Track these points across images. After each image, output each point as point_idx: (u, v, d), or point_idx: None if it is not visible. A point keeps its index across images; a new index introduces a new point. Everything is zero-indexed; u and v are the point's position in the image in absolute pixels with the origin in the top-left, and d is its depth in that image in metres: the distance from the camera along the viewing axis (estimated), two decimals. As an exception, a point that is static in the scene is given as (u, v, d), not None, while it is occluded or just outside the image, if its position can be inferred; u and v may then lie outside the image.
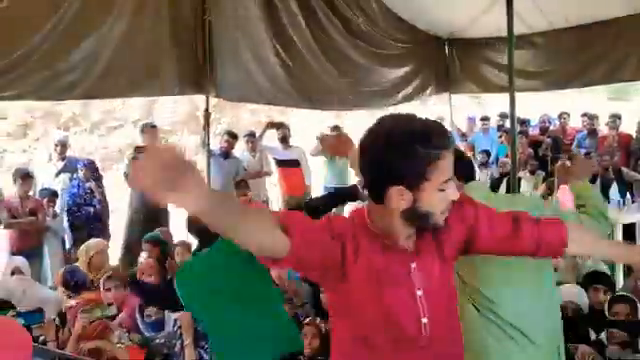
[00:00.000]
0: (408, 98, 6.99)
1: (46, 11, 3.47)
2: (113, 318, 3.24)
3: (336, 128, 7.02)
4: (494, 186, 6.39)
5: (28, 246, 4.76)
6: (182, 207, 1.06)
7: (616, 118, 7.17)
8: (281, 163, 6.59)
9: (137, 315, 3.38)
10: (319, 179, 7.02)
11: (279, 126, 6.68)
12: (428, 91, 7.18)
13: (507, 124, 7.61)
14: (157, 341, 3.15)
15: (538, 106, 9.27)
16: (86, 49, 3.84)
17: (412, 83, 6.84)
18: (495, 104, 11.59)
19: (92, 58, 3.87)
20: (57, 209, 5.21)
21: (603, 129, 7.59)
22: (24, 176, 4.93)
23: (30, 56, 3.50)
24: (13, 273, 4.04)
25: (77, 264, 4.25)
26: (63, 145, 5.54)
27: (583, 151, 6.70)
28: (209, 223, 1.14)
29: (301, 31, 5.13)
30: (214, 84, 4.93)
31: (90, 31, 3.84)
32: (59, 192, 5.26)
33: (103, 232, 5.17)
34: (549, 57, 6.33)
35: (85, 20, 3.75)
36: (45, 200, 5.02)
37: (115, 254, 5.08)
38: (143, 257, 4.16)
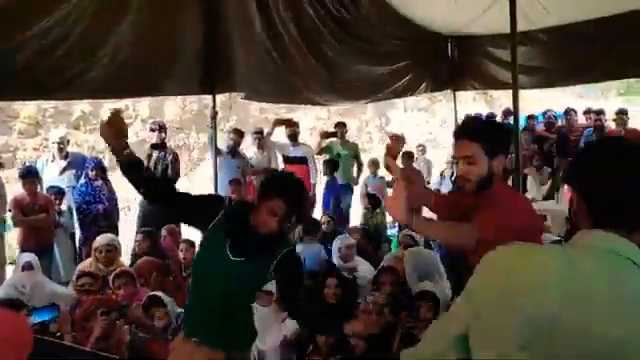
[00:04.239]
0: (410, 94, 7.03)
1: (59, 12, 3.52)
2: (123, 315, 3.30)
3: (341, 125, 7.06)
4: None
5: (38, 243, 4.83)
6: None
7: (623, 114, 7.13)
8: (288, 160, 6.64)
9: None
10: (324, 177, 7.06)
11: (288, 123, 6.74)
12: (429, 87, 7.18)
13: (511, 121, 7.62)
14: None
15: (543, 102, 9.25)
16: (98, 50, 3.87)
17: (415, 80, 6.85)
18: (505, 102, 11.58)
19: (104, 59, 3.91)
20: (64, 206, 5.29)
21: (611, 125, 7.56)
22: (29, 174, 5.01)
23: (42, 57, 3.55)
24: (24, 269, 4.13)
25: (88, 260, 4.34)
26: (62, 143, 5.57)
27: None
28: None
29: (302, 29, 5.15)
30: (223, 83, 4.99)
31: (102, 32, 3.88)
32: (65, 189, 5.33)
33: (112, 229, 5.24)
34: (552, 53, 6.32)
35: (98, 21, 3.79)
36: (53, 197, 5.11)
37: (123, 251, 5.15)
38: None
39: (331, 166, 6.70)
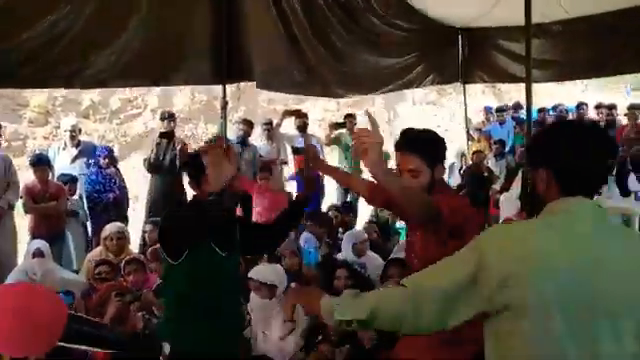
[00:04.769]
0: (419, 86, 7.00)
1: (71, 1, 3.52)
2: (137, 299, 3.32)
3: (350, 116, 7.04)
4: (510, 175, 6.36)
5: (49, 230, 4.86)
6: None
7: (635, 109, 7.08)
8: (297, 151, 6.64)
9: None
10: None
11: (297, 114, 6.74)
12: (439, 80, 7.15)
13: (522, 114, 7.58)
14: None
15: (554, 96, 9.20)
16: (108, 39, 3.88)
17: (425, 72, 6.81)
18: (515, 96, 11.51)
19: (116, 48, 3.91)
20: (76, 195, 5.32)
21: (623, 120, 7.51)
22: (40, 162, 5.04)
23: (54, 46, 3.56)
24: (34, 256, 4.17)
25: (98, 249, 4.37)
26: (74, 131, 5.61)
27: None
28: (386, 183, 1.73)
29: (313, 19, 5.13)
30: (233, 73, 4.98)
31: (113, 22, 3.88)
32: (77, 177, 5.36)
33: (122, 218, 5.27)
34: (565, 46, 6.26)
35: (109, 11, 3.80)
36: (66, 186, 5.13)
37: (132, 240, 5.18)
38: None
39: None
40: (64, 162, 5.51)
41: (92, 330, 1.28)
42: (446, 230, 1.96)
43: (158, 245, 3.92)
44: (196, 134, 11.00)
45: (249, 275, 3.36)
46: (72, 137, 5.56)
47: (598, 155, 1.36)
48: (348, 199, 6.71)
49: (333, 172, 2.72)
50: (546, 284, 1.26)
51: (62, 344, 1.23)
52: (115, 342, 1.31)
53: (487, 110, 9.52)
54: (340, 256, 4.45)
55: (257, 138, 7.00)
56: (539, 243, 1.30)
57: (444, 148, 2.21)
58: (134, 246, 4.85)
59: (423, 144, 2.12)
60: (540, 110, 8.15)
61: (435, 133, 2.22)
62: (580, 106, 8.14)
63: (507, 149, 7.57)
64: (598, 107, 8.06)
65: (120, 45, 3.93)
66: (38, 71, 3.59)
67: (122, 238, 4.28)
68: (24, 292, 1.25)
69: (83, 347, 1.33)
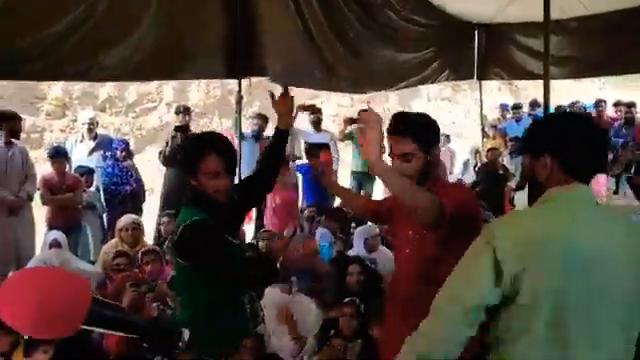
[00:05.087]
0: (436, 81, 6.95)
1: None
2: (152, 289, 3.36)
3: (364, 112, 7.00)
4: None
5: (66, 221, 4.92)
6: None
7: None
8: (310, 153, 6.63)
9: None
10: (346, 166, 7.05)
11: (311, 109, 6.72)
12: (455, 76, 7.10)
13: (539, 112, 7.50)
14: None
15: (571, 93, 9.09)
16: (124, 32, 3.91)
17: (441, 68, 6.78)
18: (532, 93, 11.40)
19: (129, 41, 3.94)
20: (93, 187, 5.38)
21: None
22: (57, 154, 5.09)
23: (70, 38, 3.59)
24: (51, 246, 4.23)
25: (113, 241, 4.42)
26: (92, 124, 5.66)
27: (620, 141, 6.55)
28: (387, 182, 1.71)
29: (329, 14, 5.12)
30: (248, 67, 4.99)
31: (128, 15, 3.91)
32: (94, 169, 5.41)
33: (137, 211, 5.32)
34: (583, 43, 6.18)
35: (124, 4, 3.82)
36: (83, 178, 5.19)
37: (147, 232, 5.22)
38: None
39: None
40: (81, 154, 5.56)
41: (114, 314, 1.29)
42: (446, 229, 1.85)
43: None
44: (211, 128, 11.06)
45: None
46: (90, 130, 5.62)
47: (598, 143, 1.48)
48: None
49: (342, 193, 2.82)
50: (555, 268, 1.34)
51: (85, 327, 1.25)
52: (136, 326, 1.32)
53: (503, 107, 9.44)
54: (352, 252, 4.45)
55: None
56: (547, 229, 1.37)
57: (438, 131, 2.12)
58: (148, 238, 4.90)
59: (416, 127, 2.02)
60: (557, 108, 8.06)
61: (428, 116, 2.11)
62: (599, 103, 8.03)
63: (523, 147, 7.51)
64: (617, 105, 7.95)
65: (134, 40, 3.95)
66: (55, 64, 3.62)
67: (137, 229, 4.32)
68: (49, 275, 1.27)
69: (104, 330, 1.35)
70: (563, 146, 1.45)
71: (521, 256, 1.36)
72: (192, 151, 2.00)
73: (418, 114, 2.15)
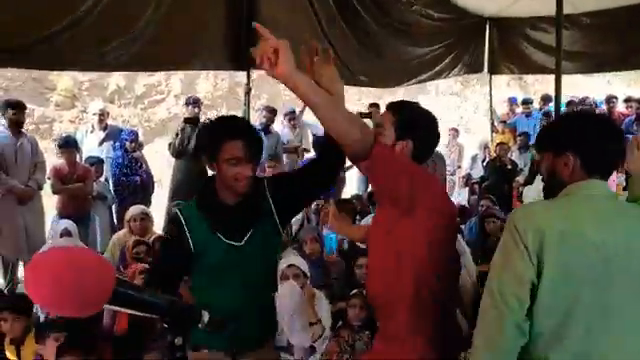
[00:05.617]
0: (447, 75, 6.92)
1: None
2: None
3: (374, 105, 7.00)
4: (535, 168, 6.29)
5: (77, 211, 4.95)
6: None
7: (666, 103, 6.93)
8: (318, 139, 6.63)
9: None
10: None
11: None
12: (466, 69, 7.07)
13: (551, 107, 7.45)
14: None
15: (580, 88, 9.03)
16: (132, 22, 3.91)
17: (453, 62, 6.75)
18: (540, 88, 11.33)
19: (138, 32, 3.94)
20: (103, 178, 5.41)
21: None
22: (67, 144, 5.12)
23: (78, 28, 3.59)
24: (62, 235, 4.26)
25: (122, 231, 4.45)
26: (102, 114, 5.69)
27: (630, 137, 6.49)
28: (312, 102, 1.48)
29: (341, 8, 5.11)
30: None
31: (137, 5, 3.92)
32: (104, 159, 5.44)
33: (146, 202, 5.34)
34: (595, 38, 6.14)
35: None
36: (93, 168, 5.22)
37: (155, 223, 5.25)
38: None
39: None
40: (92, 145, 5.59)
41: (137, 294, 1.31)
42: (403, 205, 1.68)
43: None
44: (219, 121, 11.07)
45: (289, 263, 3.36)
46: (100, 120, 5.65)
47: (617, 142, 1.54)
48: (369, 189, 6.70)
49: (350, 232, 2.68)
50: (576, 260, 1.38)
51: (109, 306, 1.27)
52: (158, 307, 1.33)
53: (511, 101, 9.39)
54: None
55: (278, 126, 7.01)
56: (569, 222, 1.41)
57: (426, 126, 1.88)
58: (158, 230, 4.92)
59: (401, 106, 1.91)
60: (569, 103, 8.00)
61: (428, 112, 1.94)
62: (610, 99, 7.97)
63: (532, 142, 7.46)
64: (628, 101, 7.90)
65: (142, 29, 3.95)
66: (60, 52, 3.63)
67: (145, 219, 4.33)
68: (76, 253, 1.28)
69: (128, 310, 1.36)
70: (586, 144, 1.50)
71: (541, 248, 1.39)
72: (213, 135, 1.85)
73: (417, 105, 1.98)
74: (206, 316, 1.40)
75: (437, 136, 1.94)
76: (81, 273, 1.14)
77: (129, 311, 1.40)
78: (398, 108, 1.89)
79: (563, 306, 1.39)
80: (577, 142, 1.50)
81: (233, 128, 1.86)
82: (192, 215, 1.90)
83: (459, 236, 3.96)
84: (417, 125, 1.86)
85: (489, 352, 1.44)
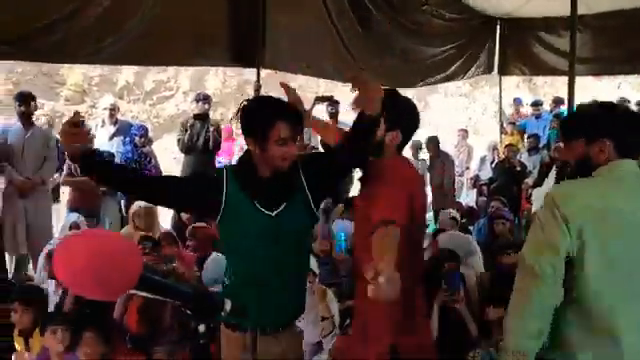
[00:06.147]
0: (460, 77, 6.89)
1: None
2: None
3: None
4: (544, 170, 6.26)
5: (87, 205, 4.96)
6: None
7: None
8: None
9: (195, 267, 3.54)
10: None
11: (329, 100, 6.70)
12: (476, 71, 7.04)
13: (563, 109, 7.41)
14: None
15: (589, 91, 8.98)
16: (141, 17, 3.91)
17: (464, 63, 6.73)
18: (549, 90, 11.27)
19: (146, 27, 3.94)
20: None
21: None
22: None
23: (86, 22, 3.60)
24: (71, 228, 4.28)
25: (127, 226, 4.46)
26: (113, 109, 5.71)
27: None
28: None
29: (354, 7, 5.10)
30: (265, 56, 4.99)
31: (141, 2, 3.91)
32: (115, 154, 5.45)
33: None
34: (607, 40, 6.10)
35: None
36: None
37: (161, 219, 5.24)
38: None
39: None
40: (102, 139, 5.60)
41: (163, 280, 1.32)
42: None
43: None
44: (227, 118, 11.08)
45: None
46: (111, 115, 5.66)
47: None
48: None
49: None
50: (613, 235, 1.51)
51: (135, 291, 1.28)
52: (182, 294, 1.35)
53: (517, 102, 9.34)
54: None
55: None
56: (605, 199, 1.54)
57: (411, 116, 2.08)
58: (166, 224, 4.93)
59: (388, 97, 1.92)
60: (580, 106, 7.95)
61: (412, 103, 2.10)
62: (622, 102, 7.92)
63: (542, 144, 7.42)
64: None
65: (148, 23, 3.94)
66: (70, 47, 3.64)
67: (150, 215, 4.31)
68: (105, 237, 1.29)
69: (153, 295, 1.37)
70: (621, 130, 1.63)
71: (582, 224, 1.51)
72: (263, 117, 1.90)
73: (405, 97, 2.13)
74: (228, 304, 1.41)
75: (419, 121, 2.10)
76: (112, 256, 1.15)
77: (155, 297, 1.40)
78: (386, 100, 1.90)
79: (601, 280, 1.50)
80: (613, 129, 1.62)
81: (282, 109, 1.91)
82: (232, 178, 1.96)
83: (470, 237, 3.97)
84: (404, 115, 2.04)
85: (521, 320, 1.54)
